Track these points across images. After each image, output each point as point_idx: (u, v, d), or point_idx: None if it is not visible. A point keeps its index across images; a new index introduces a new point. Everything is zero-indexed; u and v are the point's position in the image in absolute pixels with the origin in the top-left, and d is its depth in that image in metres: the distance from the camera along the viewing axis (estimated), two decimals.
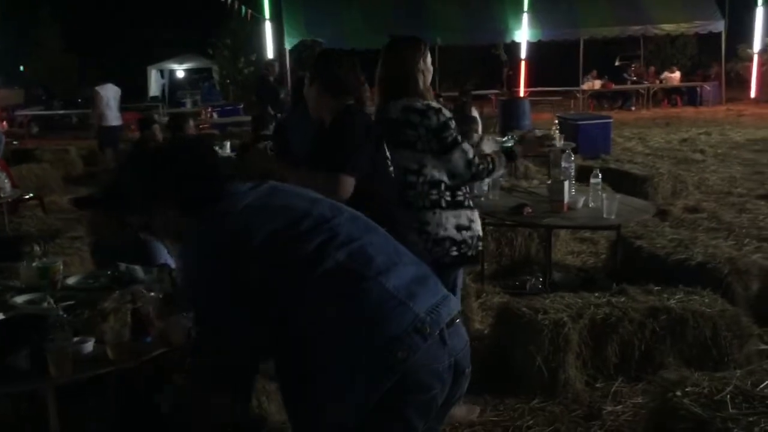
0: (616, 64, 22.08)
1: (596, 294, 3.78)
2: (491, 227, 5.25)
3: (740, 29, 20.41)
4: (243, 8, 18.01)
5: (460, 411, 3.18)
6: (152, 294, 2.61)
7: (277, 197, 1.85)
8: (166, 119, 9.76)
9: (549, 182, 4.35)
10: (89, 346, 2.37)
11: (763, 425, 2.30)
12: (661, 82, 20.18)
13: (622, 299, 3.68)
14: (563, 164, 4.70)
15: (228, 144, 8.73)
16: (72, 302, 2.77)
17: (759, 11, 20.05)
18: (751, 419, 2.35)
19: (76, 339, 2.36)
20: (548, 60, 20.83)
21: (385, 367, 1.62)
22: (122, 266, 3.12)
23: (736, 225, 6.38)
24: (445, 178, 3.00)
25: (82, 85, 11.63)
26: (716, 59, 20.55)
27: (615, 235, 4.71)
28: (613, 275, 4.53)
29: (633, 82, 20.11)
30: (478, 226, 3.12)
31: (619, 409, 3.32)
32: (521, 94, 18.73)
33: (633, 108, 19.26)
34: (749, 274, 4.33)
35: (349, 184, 2.59)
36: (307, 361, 1.69)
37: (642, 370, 3.55)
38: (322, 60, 2.91)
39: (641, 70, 20.94)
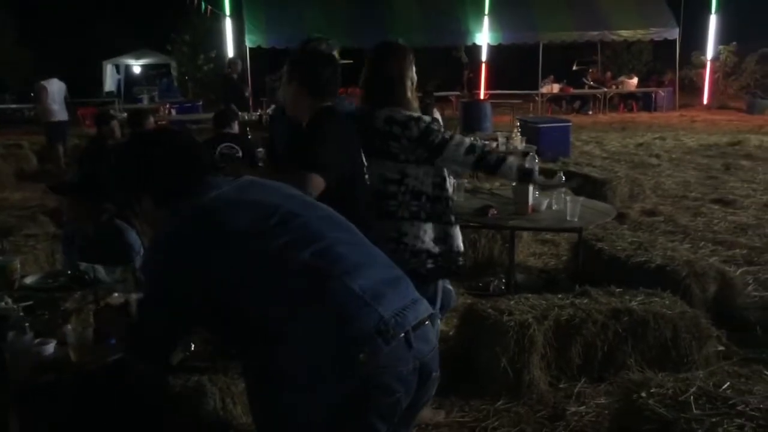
0: (574, 68, 22.37)
1: (560, 295, 3.82)
2: None
3: (694, 37, 20.88)
4: (203, 4, 17.80)
5: (425, 413, 3.17)
6: (116, 295, 2.56)
7: (251, 192, 1.84)
8: (123, 115, 9.58)
9: (513, 184, 4.36)
10: (50, 348, 2.31)
11: (726, 426, 2.35)
12: (617, 87, 20.54)
13: (585, 301, 3.72)
14: (527, 166, 4.71)
15: None
16: (31, 302, 2.70)
17: (712, 19, 20.59)
18: (714, 420, 2.39)
19: (37, 341, 2.29)
20: (508, 63, 20.99)
21: (349, 368, 1.61)
22: (83, 266, 3.05)
23: (691, 228, 6.55)
24: (428, 190, 2.96)
25: (35, 78, 11.27)
26: (671, 66, 20.99)
27: (576, 237, 4.77)
28: (575, 277, 4.59)
29: (590, 87, 20.43)
30: (457, 241, 3.06)
31: (583, 410, 3.36)
32: (482, 97, 18.88)
33: (590, 112, 19.56)
34: (707, 277, 4.42)
35: (317, 183, 2.55)
36: (275, 360, 1.66)
37: (604, 370, 3.60)
38: (304, 58, 2.86)
39: (598, 75, 21.27)
